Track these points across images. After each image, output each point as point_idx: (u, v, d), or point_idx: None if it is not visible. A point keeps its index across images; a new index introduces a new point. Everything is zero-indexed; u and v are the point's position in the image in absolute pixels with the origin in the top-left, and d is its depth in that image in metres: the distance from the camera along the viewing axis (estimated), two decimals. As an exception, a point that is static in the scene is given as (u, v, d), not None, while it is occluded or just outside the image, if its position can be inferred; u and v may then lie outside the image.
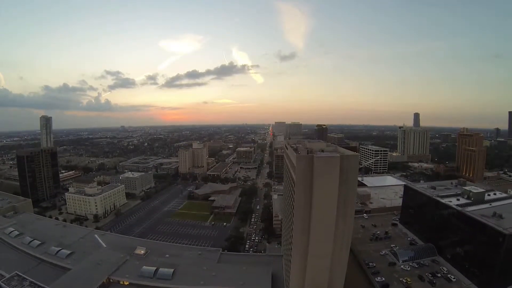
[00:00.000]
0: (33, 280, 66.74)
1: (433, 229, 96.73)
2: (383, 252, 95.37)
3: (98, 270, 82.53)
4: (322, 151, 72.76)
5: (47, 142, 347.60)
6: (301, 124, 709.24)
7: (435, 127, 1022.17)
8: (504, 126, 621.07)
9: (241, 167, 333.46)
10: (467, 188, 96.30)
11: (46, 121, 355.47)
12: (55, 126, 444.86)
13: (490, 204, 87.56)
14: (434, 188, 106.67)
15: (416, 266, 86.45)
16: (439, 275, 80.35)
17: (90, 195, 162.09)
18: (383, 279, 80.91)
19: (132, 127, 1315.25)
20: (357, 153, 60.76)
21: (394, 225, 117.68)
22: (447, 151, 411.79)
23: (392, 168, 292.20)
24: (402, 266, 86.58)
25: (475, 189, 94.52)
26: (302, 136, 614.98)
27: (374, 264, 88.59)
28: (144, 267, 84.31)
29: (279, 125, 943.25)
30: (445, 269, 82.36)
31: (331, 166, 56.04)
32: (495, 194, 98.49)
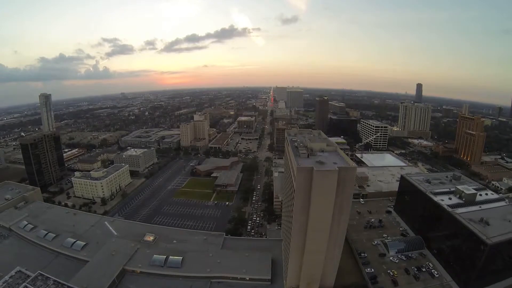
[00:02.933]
0: (56, 279, 72.76)
1: (423, 222, 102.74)
2: (375, 242, 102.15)
3: (113, 261, 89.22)
4: (323, 151, 74.83)
5: (48, 120, 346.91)
6: (302, 91, 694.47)
7: (438, 97, 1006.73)
8: (508, 103, 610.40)
9: (242, 138, 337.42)
10: (460, 187, 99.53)
11: (46, 99, 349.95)
12: (54, 97, 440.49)
13: (480, 207, 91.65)
14: (429, 182, 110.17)
15: (404, 258, 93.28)
16: (424, 269, 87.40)
17: (96, 179, 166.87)
18: (373, 270, 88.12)
19: (132, 94, 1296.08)
20: (354, 166, 62.73)
21: (388, 212, 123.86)
22: (448, 127, 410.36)
23: (392, 144, 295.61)
24: (391, 258, 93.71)
25: (467, 189, 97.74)
26: (303, 108, 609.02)
27: (366, 255, 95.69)
28: (155, 255, 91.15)
29: (280, 90, 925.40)
30: (431, 265, 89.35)
31: (329, 179, 59.27)
32: (486, 194, 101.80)
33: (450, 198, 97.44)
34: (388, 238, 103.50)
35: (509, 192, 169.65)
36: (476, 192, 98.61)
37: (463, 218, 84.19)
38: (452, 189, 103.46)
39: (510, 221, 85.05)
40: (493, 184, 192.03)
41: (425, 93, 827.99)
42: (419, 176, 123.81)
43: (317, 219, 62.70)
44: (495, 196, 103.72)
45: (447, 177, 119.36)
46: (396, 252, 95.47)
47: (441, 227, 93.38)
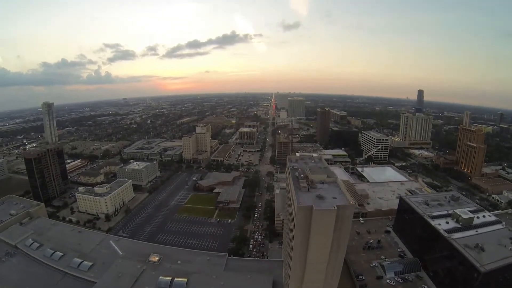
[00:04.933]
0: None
1: (421, 244, 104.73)
2: (373, 264, 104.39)
3: (120, 282, 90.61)
4: (323, 183, 77.71)
5: (51, 129, 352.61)
6: (303, 99, 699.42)
7: (440, 102, 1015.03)
8: (511, 107, 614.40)
9: (244, 150, 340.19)
10: (457, 211, 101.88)
11: (48, 108, 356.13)
12: (56, 102, 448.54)
13: (477, 231, 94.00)
14: (427, 204, 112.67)
15: (400, 281, 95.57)
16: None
17: (100, 195, 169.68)
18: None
19: (134, 99, 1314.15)
20: (353, 204, 65.48)
21: (387, 232, 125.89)
22: (449, 136, 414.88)
23: (393, 155, 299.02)
24: (388, 281, 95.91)
25: (464, 213, 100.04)
26: (305, 117, 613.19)
27: (363, 277, 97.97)
28: (161, 277, 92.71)
29: (281, 97, 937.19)
30: (426, 287, 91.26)
31: (327, 218, 62.00)
32: (484, 216, 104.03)
33: (447, 222, 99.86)
34: (386, 259, 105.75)
35: (508, 206, 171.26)
36: (473, 216, 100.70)
37: (459, 244, 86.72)
38: (450, 212, 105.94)
39: (505, 246, 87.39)
40: (493, 198, 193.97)
41: (427, 98, 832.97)
42: (417, 197, 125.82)
43: (316, 252, 65.85)
44: (492, 218, 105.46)
45: (445, 198, 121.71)
46: (393, 275, 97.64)
47: (437, 251, 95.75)
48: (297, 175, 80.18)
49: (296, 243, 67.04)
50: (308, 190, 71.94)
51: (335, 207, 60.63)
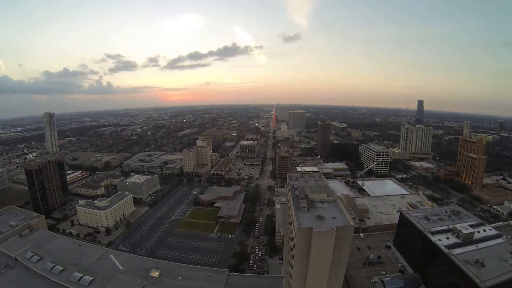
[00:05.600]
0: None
1: (421, 260, 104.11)
2: (374, 279, 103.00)
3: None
4: (323, 202, 78.60)
5: (52, 140, 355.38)
6: (304, 112, 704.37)
7: (440, 112, 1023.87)
8: (510, 115, 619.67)
9: (244, 164, 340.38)
10: (457, 226, 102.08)
11: (50, 118, 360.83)
12: (57, 111, 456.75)
13: (477, 246, 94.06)
14: (427, 219, 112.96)
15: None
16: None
17: (100, 209, 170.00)
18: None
19: (135, 110, 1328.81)
20: (352, 224, 66.31)
21: (388, 247, 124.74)
22: (449, 146, 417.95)
23: (394, 168, 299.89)
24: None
25: (465, 228, 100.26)
26: (305, 129, 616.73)
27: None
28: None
29: (282, 108, 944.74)
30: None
31: (327, 239, 63.05)
32: (484, 230, 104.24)
33: (447, 238, 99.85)
34: (387, 275, 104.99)
35: (510, 217, 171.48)
36: (473, 231, 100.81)
37: (459, 260, 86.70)
38: (450, 227, 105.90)
39: (505, 260, 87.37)
40: (494, 209, 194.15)
41: (427, 107, 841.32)
42: (418, 212, 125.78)
43: (316, 271, 66.38)
44: (493, 232, 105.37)
45: (446, 212, 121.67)
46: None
47: (438, 267, 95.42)
48: (297, 194, 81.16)
49: (296, 262, 67.82)
50: (308, 210, 72.75)
51: (335, 228, 61.57)
